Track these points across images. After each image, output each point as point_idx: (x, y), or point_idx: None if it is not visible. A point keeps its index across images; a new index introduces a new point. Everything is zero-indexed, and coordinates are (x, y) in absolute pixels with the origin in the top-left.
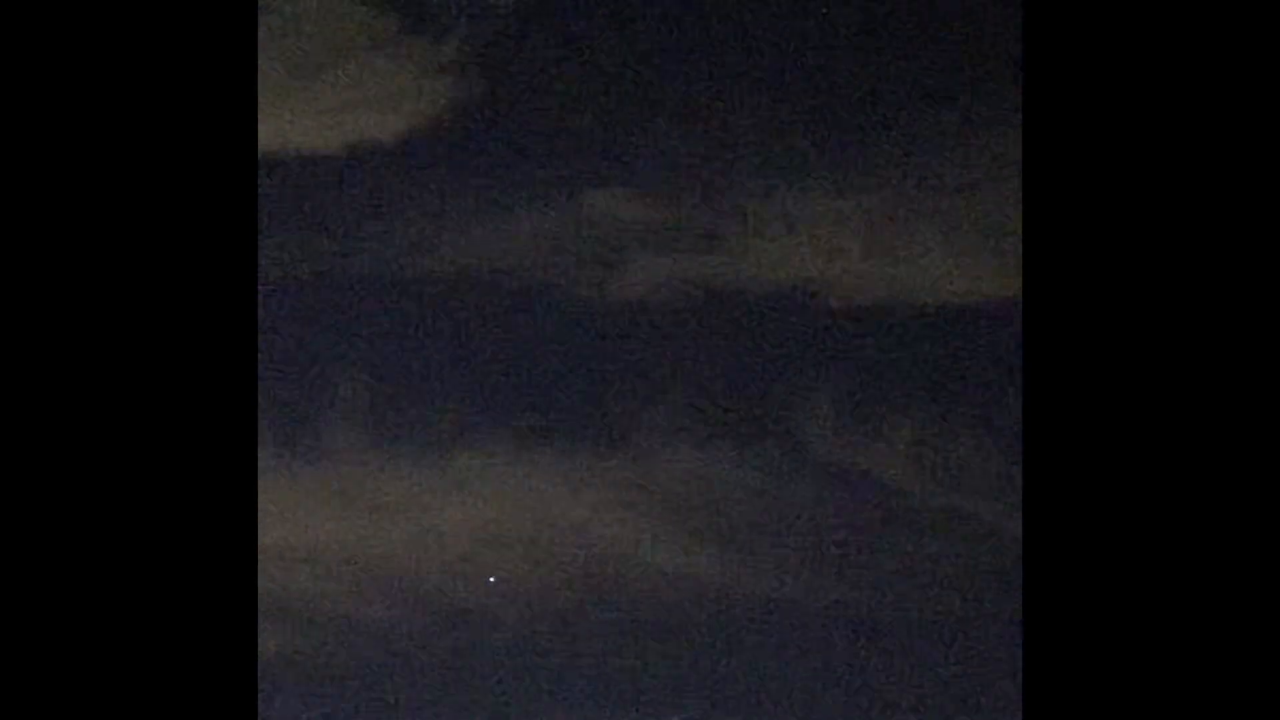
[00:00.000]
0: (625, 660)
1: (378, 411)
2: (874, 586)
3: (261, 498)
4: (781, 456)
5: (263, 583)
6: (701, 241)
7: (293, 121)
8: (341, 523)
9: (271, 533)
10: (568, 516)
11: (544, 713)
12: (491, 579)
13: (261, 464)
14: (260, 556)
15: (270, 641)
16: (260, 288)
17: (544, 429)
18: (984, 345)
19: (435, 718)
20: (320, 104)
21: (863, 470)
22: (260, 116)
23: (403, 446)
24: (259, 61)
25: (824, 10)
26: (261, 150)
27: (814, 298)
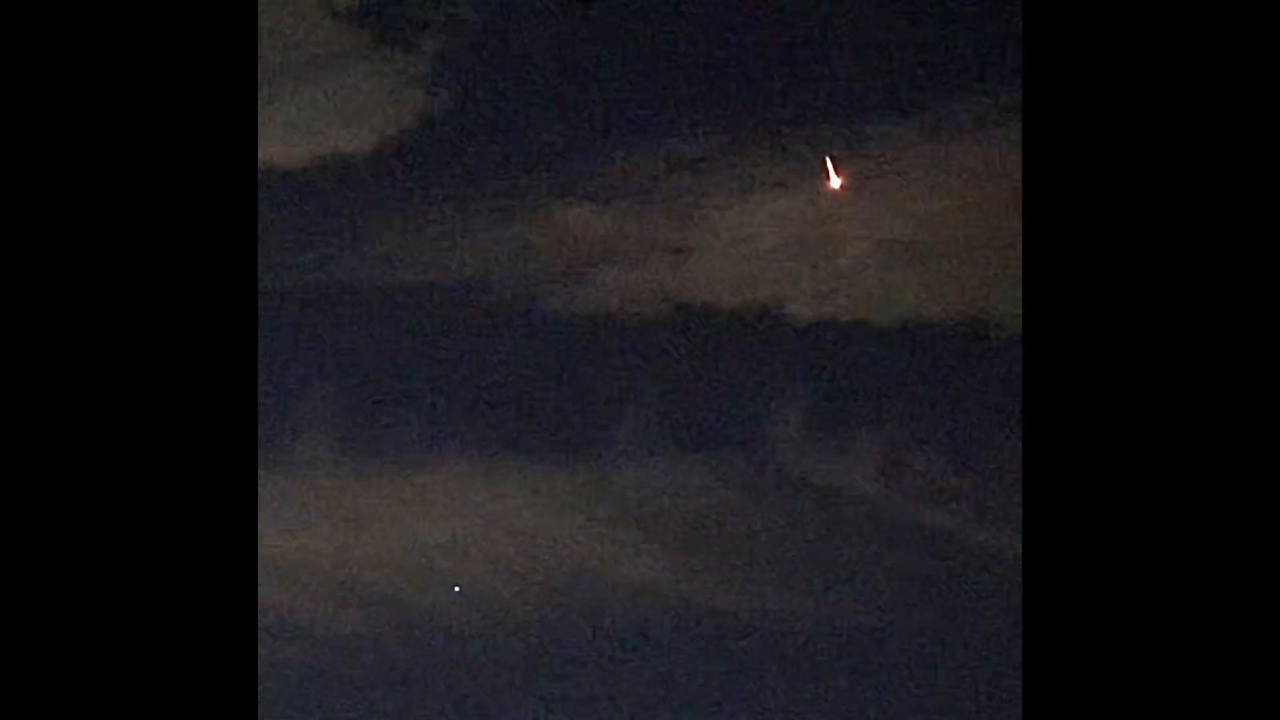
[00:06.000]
0: (592, 672)
1: (347, 424)
2: (842, 598)
3: None
4: (750, 469)
5: None
6: (670, 255)
7: (263, 135)
8: (310, 534)
9: None
10: (535, 528)
11: None
12: (457, 588)
13: None
14: None
15: None
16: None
17: (513, 441)
18: (950, 360)
19: None
20: (290, 117)
21: (831, 483)
22: None
23: (372, 458)
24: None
25: None
26: None
27: (782, 311)
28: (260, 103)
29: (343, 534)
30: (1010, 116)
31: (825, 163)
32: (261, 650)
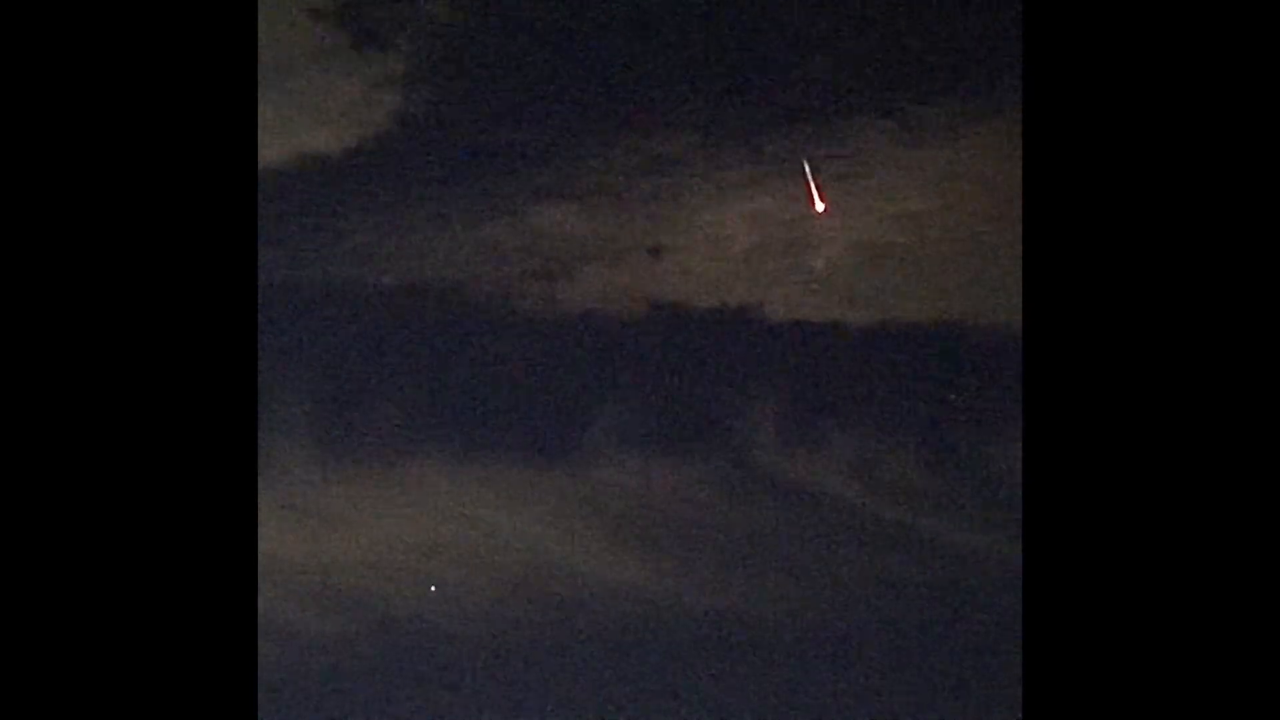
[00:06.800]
0: (567, 671)
1: (322, 423)
2: (815, 598)
3: None
4: (725, 469)
5: None
6: (647, 255)
7: None
8: (285, 533)
9: None
10: (511, 528)
11: None
12: (433, 588)
13: None
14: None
15: None
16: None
17: (489, 441)
18: (925, 361)
19: None
20: (267, 117)
21: (805, 483)
22: None
23: (348, 459)
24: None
25: None
26: None
27: (758, 312)
28: None
29: (318, 534)
30: (992, 118)
31: (809, 185)
32: None
